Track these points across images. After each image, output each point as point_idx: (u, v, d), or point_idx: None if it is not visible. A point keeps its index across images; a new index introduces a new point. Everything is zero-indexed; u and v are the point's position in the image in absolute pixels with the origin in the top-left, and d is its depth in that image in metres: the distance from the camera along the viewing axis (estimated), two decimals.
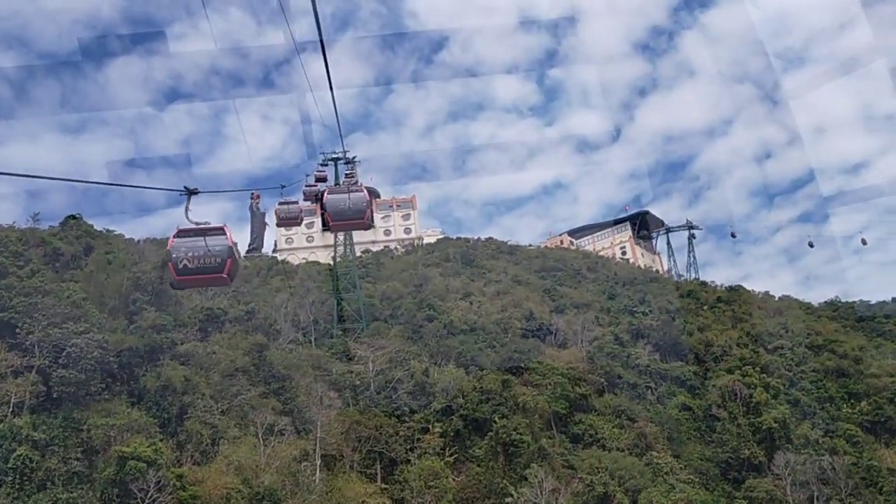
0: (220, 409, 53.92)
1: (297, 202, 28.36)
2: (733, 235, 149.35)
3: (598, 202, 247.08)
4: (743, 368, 78.27)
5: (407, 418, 61.92)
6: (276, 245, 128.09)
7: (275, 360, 60.94)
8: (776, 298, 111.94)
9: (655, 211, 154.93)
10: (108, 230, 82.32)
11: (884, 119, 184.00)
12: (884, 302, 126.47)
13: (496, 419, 61.01)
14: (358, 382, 64.53)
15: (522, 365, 72.88)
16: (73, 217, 77.97)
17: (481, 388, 64.78)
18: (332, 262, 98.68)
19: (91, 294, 61.29)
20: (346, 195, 23.35)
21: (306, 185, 31.46)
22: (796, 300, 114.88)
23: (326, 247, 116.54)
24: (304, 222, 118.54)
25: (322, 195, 24.36)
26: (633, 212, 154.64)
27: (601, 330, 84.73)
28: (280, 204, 28.11)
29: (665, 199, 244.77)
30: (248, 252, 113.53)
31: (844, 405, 76.16)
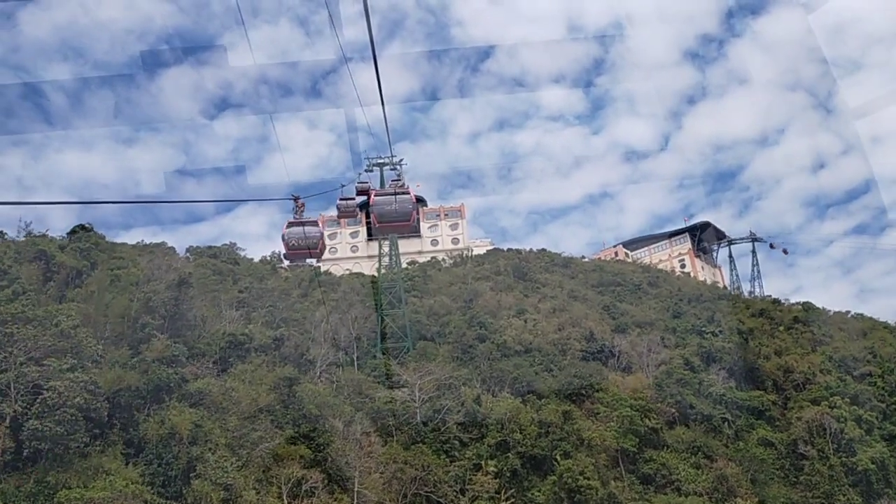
0: (236, 464, 44.99)
1: (354, 198, 30.74)
2: (785, 252, 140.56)
3: (646, 212, 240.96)
4: (830, 399, 70.02)
5: (457, 454, 55.48)
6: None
7: (306, 396, 53.25)
8: (850, 315, 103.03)
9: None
10: (113, 242, 75.05)
11: None
12: None
13: (558, 457, 54.25)
14: (403, 412, 58.17)
15: (584, 392, 65.93)
16: (83, 227, 71.11)
17: (540, 419, 58.10)
18: (376, 274, 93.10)
19: (91, 318, 53.83)
20: (392, 197, 24.70)
21: (340, 199, 30.84)
22: (872, 319, 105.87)
23: (371, 257, 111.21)
24: (350, 231, 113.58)
25: (369, 196, 26.60)
26: (692, 223, 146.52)
27: (668, 352, 77.25)
28: (341, 199, 30.30)
29: (714, 209, 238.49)
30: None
31: None
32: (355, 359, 71.98)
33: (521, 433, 56.17)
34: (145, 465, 45.70)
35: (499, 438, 55.99)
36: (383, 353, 73.32)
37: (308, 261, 74.90)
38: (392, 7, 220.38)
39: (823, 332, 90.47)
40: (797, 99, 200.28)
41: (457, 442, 56.53)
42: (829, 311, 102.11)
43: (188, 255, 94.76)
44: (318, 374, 62.08)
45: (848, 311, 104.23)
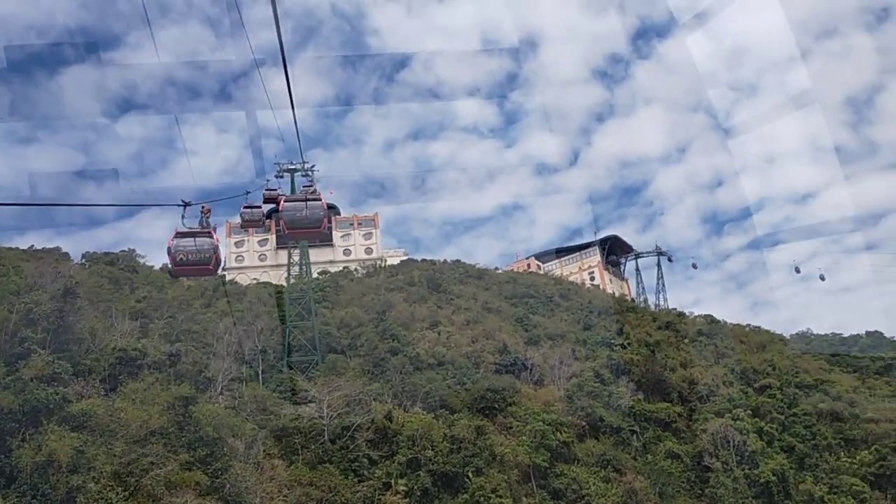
0: (122, 494, 40.63)
1: (260, 206, 28.92)
2: (694, 266, 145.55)
3: (556, 225, 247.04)
4: (733, 411, 71.76)
5: (366, 473, 53.50)
6: (224, 263, 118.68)
7: (203, 417, 48.71)
8: (748, 328, 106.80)
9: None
10: None
11: (830, 151, 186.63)
12: (857, 335, 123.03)
13: (470, 475, 53.19)
14: (310, 429, 55.74)
15: (497, 406, 65.10)
16: None
17: (452, 435, 56.74)
18: (285, 284, 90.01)
19: None
20: (303, 203, 23.57)
21: (245, 207, 28.69)
22: (770, 332, 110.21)
23: (280, 266, 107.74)
24: (258, 239, 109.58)
25: (278, 203, 24.88)
26: (601, 236, 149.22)
27: (579, 365, 77.52)
28: (245, 207, 28.68)
29: (620, 223, 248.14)
30: None
31: (843, 454, 69.89)
32: (260, 373, 69.02)
33: (432, 450, 54.70)
34: (18, 496, 41.38)
35: (410, 456, 54.36)
36: (290, 367, 70.61)
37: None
38: (307, 13, 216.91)
39: (726, 344, 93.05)
40: (698, 119, 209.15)
41: (366, 460, 54.59)
42: (729, 323, 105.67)
43: (84, 261, 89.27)
44: (218, 390, 58.84)
45: (748, 325, 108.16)
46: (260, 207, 29.42)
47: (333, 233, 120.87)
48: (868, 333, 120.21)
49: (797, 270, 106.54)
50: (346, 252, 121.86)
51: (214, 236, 21.17)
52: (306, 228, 24.11)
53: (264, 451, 50.10)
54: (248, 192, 28.70)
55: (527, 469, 57.55)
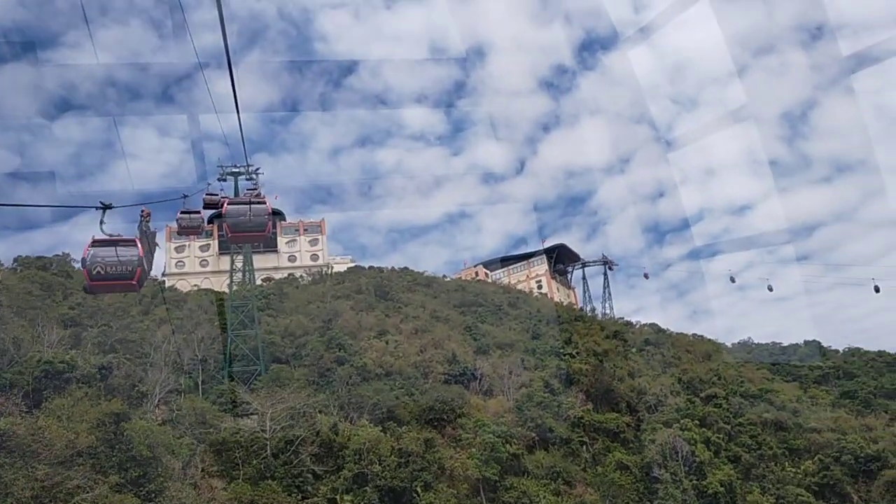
0: None
1: (199, 211, 27.72)
2: (646, 276, 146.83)
3: (501, 233, 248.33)
4: (681, 421, 71.80)
5: (310, 489, 51.45)
6: (165, 268, 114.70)
7: (136, 435, 45.21)
8: (691, 336, 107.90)
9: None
10: None
11: (766, 165, 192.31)
12: (796, 345, 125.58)
13: (419, 489, 51.62)
14: (251, 443, 53.38)
15: (446, 418, 63.69)
16: None
17: (400, 448, 55.06)
18: (227, 290, 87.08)
19: None
20: (247, 207, 22.81)
21: (182, 212, 27.19)
22: (715, 341, 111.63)
23: (222, 272, 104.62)
24: (199, 244, 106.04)
25: (221, 206, 24.19)
26: (548, 245, 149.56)
27: (528, 374, 76.68)
28: (182, 213, 27.18)
29: (564, 232, 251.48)
30: None
31: (787, 464, 70.48)
32: (200, 384, 66.24)
33: (380, 464, 52.95)
34: None
35: (356, 470, 52.50)
36: (231, 378, 68.06)
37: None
38: (253, 16, 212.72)
39: (673, 353, 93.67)
40: (641, 131, 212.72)
41: (310, 475, 52.54)
42: (673, 332, 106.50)
43: (15, 265, 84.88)
44: (155, 402, 55.97)
45: (693, 333, 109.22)
46: (199, 213, 28.08)
47: (278, 238, 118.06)
48: (806, 343, 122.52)
49: (732, 280, 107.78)
50: (292, 258, 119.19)
51: (139, 245, 18.31)
52: (250, 232, 23.28)
53: (203, 468, 47.49)
54: (185, 196, 26.88)
55: (476, 483, 56.22)
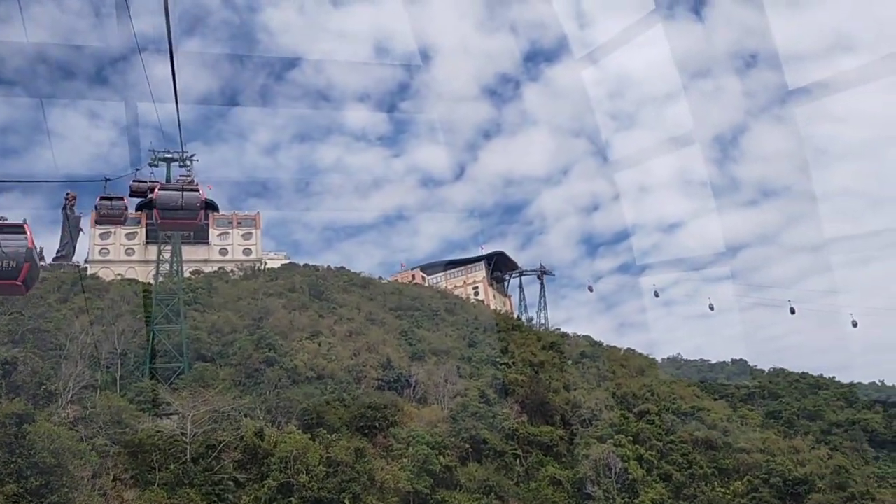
0: None
1: (122, 198, 26.57)
2: (590, 289, 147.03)
3: (438, 237, 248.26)
4: (615, 437, 71.21)
5: (231, 497, 48.44)
6: (88, 255, 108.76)
7: (40, 439, 40.90)
8: (623, 351, 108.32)
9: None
10: None
11: (698, 185, 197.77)
12: (724, 363, 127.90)
13: (347, 501, 49.13)
14: (170, 447, 49.97)
15: (378, 426, 61.36)
16: None
17: (329, 457, 52.57)
18: (152, 282, 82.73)
19: None
20: (179, 192, 22.26)
21: (101, 198, 25.90)
22: (647, 357, 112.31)
23: (148, 262, 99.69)
24: (125, 232, 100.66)
25: (151, 193, 23.50)
26: (487, 251, 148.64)
27: (464, 383, 74.99)
28: (102, 199, 25.91)
29: (500, 239, 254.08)
30: (55, 258, 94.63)
31: (717, 483, 70.58)
32: (118, 380, 62.24)
33: (307, 474, 50.27)
34: None
35: (282, 479, 49.69)
36: (152, 375, 64.18)
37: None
38: (196, 2, 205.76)
39: (607, 367, 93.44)
40: (580, 145, 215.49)
41: (232, 483, 49.53)
42: (606, 344, 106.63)
43: None
44: (67, 399, 51.90)
45: (629, 348, 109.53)
46: (122, 199, 26.64)
47: (210, 230, 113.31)
48: (734, 361, 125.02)
49: (656, 295, 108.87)
50: (223, 252, 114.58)
51: (28, 233, 14.53)
52: (181, 219, 22.56)
53: (115, 475, 43.93)
54: (107, 179, 24.33)
55: (407, 496, 54.06)
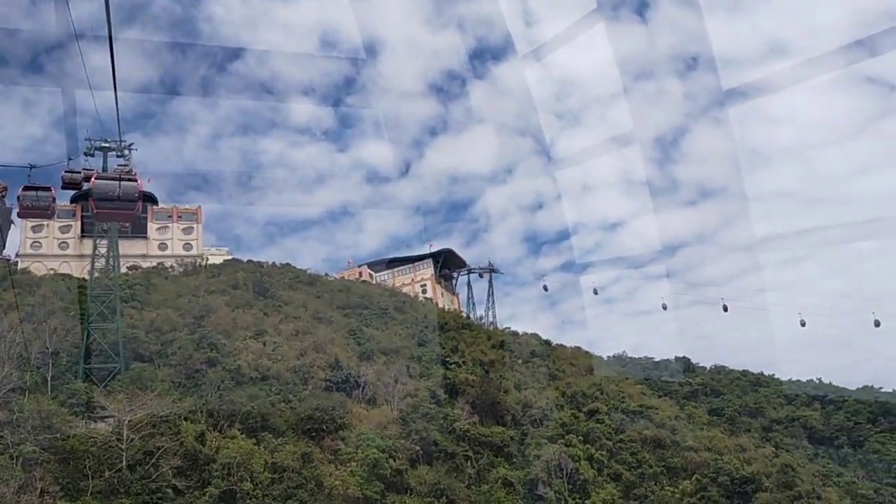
0: None
1: (49, 188, 24.40)
2: (545, 289, 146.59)
3: (383, 234, 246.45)
4: (566, 437, 70.67)
5: None
6: (19, 248, 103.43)
7: None
8: (575, 350, 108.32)
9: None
10: None
11: (639, 185, 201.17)
12: (668, 360, 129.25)
13: None
14: (104, 453, 47.09)
15: (325, 428, 59.31)
16: None
17: (275, 463, 50.44)
18: (87, 277, 78.78)
19: None
20: (116, 182, 21.82)
21: (25, 189, 23.08)
22: (596, 355, 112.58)
23: (83, 257, 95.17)
24: (59, 225, 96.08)
25: (87, 182, 22.94)
26: (435, 249, 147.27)
27: (414, 383, 73.45)
28: (26, 189, 23.59)
29: (445, 237, 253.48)
30: None
31: (666, 482, 70.63)
32: (49, 381, 58.73)
33: (251, 480, 48.07)
34: None
35: (224, 487, 47.41)
36: (86, 376, 60.86)
37: None
38: None
39: (557, 366, 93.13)
40: (524, 143, 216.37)
41: (171, 491, 47.00)
42: (555, 343, 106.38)
43: None
44: None
45: (576, 347, 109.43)
46: (49, 190, 24.46)
47: (149, 224, 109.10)
48: (677, 359, 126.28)
49: (595, 292, 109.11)
50: (162, 246, 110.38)
51: None
52: (119, 209, 22.31)
53: (42, 488, 40.93)
54: (32, 167, 23.13)
55: (356, 501, 52.21)
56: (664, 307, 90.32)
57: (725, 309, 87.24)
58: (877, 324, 72.56)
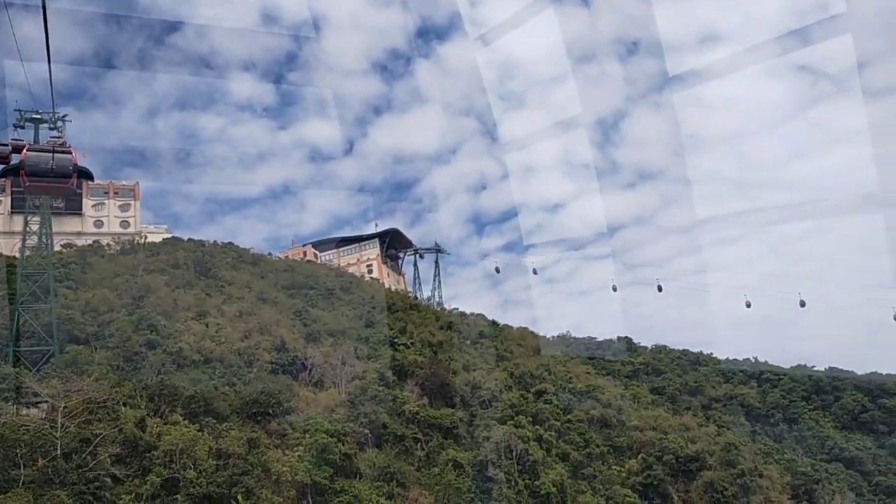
0: None
1: None
2: (497, 270, 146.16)
3: (326, 213, 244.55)
4: (516, 418, 70.52)
5: (108, 496, 43.82)
6: None
7: None
8: (521, 330, 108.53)
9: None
10: None
11: (580, 167, 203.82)
12: (610, 340, 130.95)
13: (239, 497, 45.64)
14: (37, 441, 44.70)
15: (271, 412, 57.74)
16: None
17: (219, 449, 48.68)
18: (18, 255, 75.01)
19: None
20: (49, 155, 23.68)
21: None
22: (537, 335, 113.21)
23: (13, 234, 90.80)
24: None
25: (19, 151, 23.48)
26: (382, 229, 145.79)
27: (362, 365, 72.30)
28: None
29: (389, 216, 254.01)
30: None
31: (612, 462, 71.32)
32: None
33: (194, 468, 46.24)
34: None
35: (166, 475, 45.44)
36: (17, 360, 57.92)
37: None
38: None
39: (505, 347, 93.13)
40: (469, 124, 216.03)
41: (109, 480, 44.81)
42: (503, 324, 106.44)
43: None
44: None
45: (522, 327, 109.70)
46: None
47: (84, 200, 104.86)
48: (619, 338, 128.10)
49: (534, 272, 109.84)
50: (98, 224, 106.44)
51: None
52: (52, 183, 21.19)
53: None
54: None
55: (304, 487, 50.96)
56: (614, 289, 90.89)
57: (660, 289, 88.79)
58: (802, 304, 74.42)
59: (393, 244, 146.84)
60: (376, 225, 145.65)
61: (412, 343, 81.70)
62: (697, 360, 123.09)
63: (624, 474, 69.11)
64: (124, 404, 50.80)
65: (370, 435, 61.33)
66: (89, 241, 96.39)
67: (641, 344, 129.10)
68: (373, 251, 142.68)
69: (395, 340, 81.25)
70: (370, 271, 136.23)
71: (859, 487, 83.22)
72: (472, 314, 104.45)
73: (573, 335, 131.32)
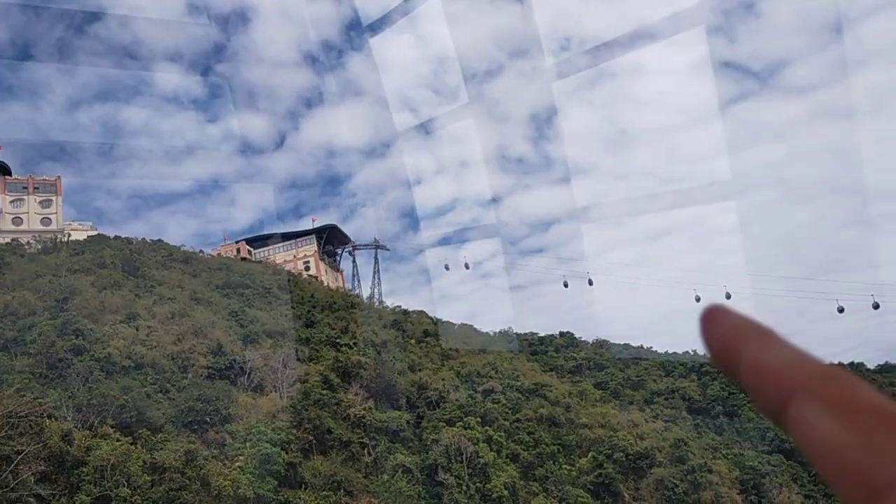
0: None
1: None
2: (467, 266, 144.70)
3: (257, 208, 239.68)
4: (465, 419, 68.81)
5: None
6: None
7: None
8: (457, 326, 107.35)
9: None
10: None
11: (515, 162, 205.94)
12: (552, 336, 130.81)
13: None
14: None
15: (209, 420, 54.51)
16: None
17: (154, 462, 45.36)
18: None
19: None
20: None
21: None
22: (487, 333, 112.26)
23: None
24: None
25: None
26: (319, 224, 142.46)
27: (304, 367, 69.48)
28: None
29: (322, 211, 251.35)
30: None
31: (563, 461, 70.32)
32: None
33: (128, 484, 42.90)
34: None
35: (97, 493, 42.09)
36: None
37: None
38: None
39: (450, 346, 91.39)
40: (404, 118, 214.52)
41: (34, 500, 41.12)
42: (448, 321, 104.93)
43: None
44: None
45: (464, 323, 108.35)
46: None
47: (1, 196, 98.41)
48: (562, 334, 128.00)
49: (466, 266, 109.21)
50: (17, 221, 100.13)
51: None
52: None
53: None
54: None
55: (246, 501, 48.02)
56: (565, 285, 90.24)
57: (590, 283, 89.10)
58: (728, 296, 75.71)
59: (331, 240, 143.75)
60: (313, 221, 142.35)
61: (355, 343, 79.31)
62: (638, 354, 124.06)
63: (575, 474, 68.15)
64: (49, 416, 47.02)
65: (315, 441, 58.81)
66: (7, 240, 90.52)
67: (583, 339, 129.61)
68: (310, 248, 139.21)
69: (338, 341, 78.75)
70: (307, 268, 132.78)
71: (801, 479, 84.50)
72: (414, 312, 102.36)
73: (515, 331, 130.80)
